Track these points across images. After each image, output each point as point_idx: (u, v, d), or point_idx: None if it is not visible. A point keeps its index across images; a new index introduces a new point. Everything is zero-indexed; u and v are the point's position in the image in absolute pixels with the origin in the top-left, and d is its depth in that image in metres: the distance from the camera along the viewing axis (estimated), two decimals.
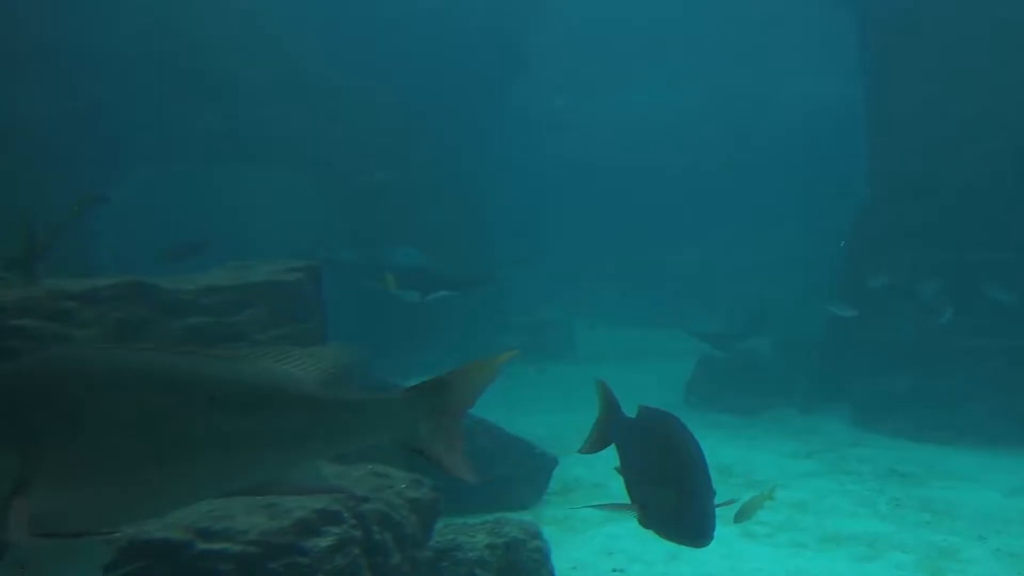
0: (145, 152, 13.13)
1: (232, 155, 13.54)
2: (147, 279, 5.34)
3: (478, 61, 15.15)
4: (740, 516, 5.59)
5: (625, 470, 3.44)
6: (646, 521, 3.22)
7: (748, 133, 22.36)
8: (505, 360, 2.66)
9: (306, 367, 2.52)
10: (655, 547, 6.55)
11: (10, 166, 10.28)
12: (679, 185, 21.97)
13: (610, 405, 3.61)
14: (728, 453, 8.97)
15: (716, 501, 3.20)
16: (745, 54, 22.80)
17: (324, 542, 4.02)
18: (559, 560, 5.60)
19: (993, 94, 10.86)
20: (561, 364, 14.65)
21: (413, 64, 14.15)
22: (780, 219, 20.26)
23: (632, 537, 6.77)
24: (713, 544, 6.73)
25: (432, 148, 14.50)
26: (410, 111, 14.29)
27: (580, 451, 3.72)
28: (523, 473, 7.65)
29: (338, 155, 13.51)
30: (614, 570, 6.31)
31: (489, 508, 6.68)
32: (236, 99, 12.89)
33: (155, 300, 5.27)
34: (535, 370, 13.36)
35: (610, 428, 3.60)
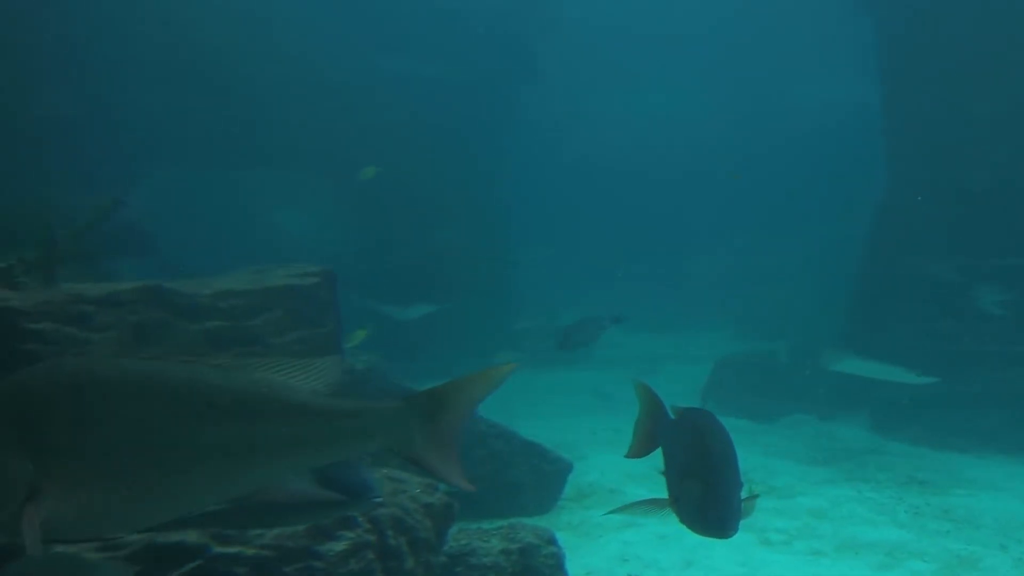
0: (162, 155, 13.23)
1: (245, 159, 13.63)
2: (165, 283, 5.37)
3: (489, 65, 15.18)
4: None
5: (667, 469, 3.42)
6: (679, 515, 3.23)
7: (765, 137, 22.27)
8: (506, 373, 2.69)
9: (303, 376, 2.56)
10: (670, 554, 6.51)
11: (28, 169, 10.38)
12: (694, 190, 21.93)
13: (654, 407, 3.55)
14: (745, 459, 8.85)
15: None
16: (763, 59, 22.74)
17: (338, 546, 4.03)
18: (573, 566, 5.58)
19: (1011, 96, 10.75)
20: (575, 369, 14.62)
21: (426, 69, 14.21)
22: (796, 223, 20.15)
23: (647, 544, 6.74)
24: (729, 551, 6.71)
25: (445, 152, 14.52)
26: (424, 116, 14.33)
27: (627, 455, 3.63)
28: (538, 478, 7.63)
29: (350, 159, 13.56)
30: None
31: (503, 513, 6.68)
32: (251, 103, 12.97)
33: (172, 304, 5.30)
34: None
35: (656, 429, 3.54)
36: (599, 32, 22.54)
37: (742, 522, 3.15)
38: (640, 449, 3.56)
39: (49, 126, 11.11)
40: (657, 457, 3.54)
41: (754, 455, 9.38)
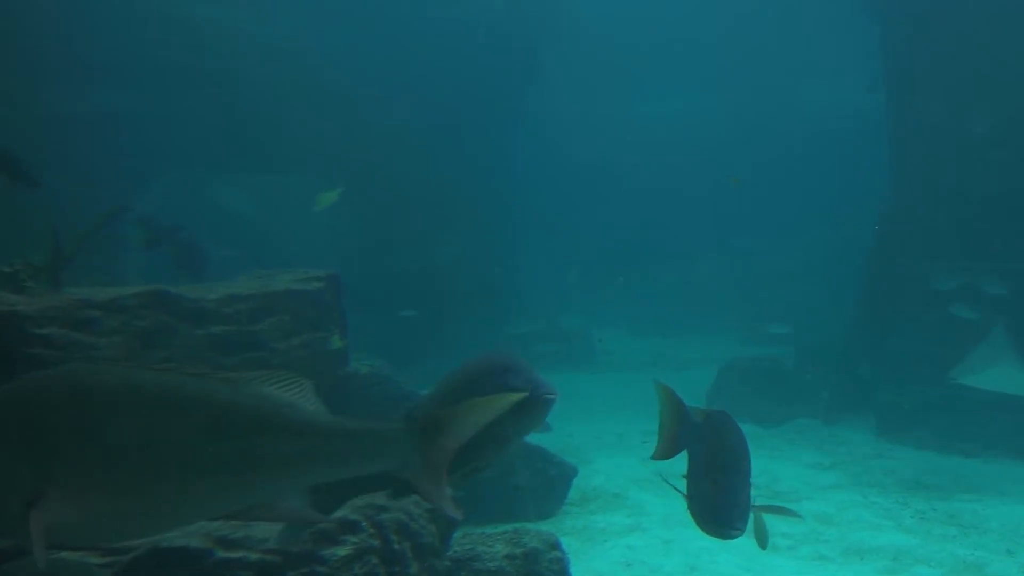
0: (168, 161, 13.28)
1: (248, 163, 13.67)
2: (170, 288, 5.39)
3: (493, 69, 15.21)
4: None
5: (689, 469, 3.43)
6: (691, 513, 3.26)
7: (770, 141, 22.27)
8: (508, 403, 2.72)
9: (307, 394, 2.58)
10: (674, 558, 6.49)
11: (33, 173, 10.39)
12: (698, 193, 21.93)
13: (677, 409, 3.52)
14: (751, 463, 8.85)
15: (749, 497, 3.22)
16: (767, 64, 22.76)
17: (342, 551, 4.03)
18: (578, 571, 5.56)
19: (1015, 102, 10.73)
20: (581, 373, 14.61)
21: (430, 73, 14.24)
22: (802, 227, 20.14)
23: (651, 549, 6.72)
24: (733, 556, 6.67)
25: (447, 156, 14.55)
26: (428, 119, 14.37)
27: (652, 457, 3.58)
28: (542, 482, 7.62)
29: (352, 163, 13.58)
30: None
31: (508, 518, 6.67)
32: (257, 108, 13.01)
33: (178, 309, 5.32)
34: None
35: (680, 432, 3.51)
36: (604, 37, 22.58)
37: (747, 526, 3.16)
38: (665, 451, 3.52)
39: (56, 131, 11.15)
40: (662, 462, 3.54)
41: (759, 459, 9.29)
